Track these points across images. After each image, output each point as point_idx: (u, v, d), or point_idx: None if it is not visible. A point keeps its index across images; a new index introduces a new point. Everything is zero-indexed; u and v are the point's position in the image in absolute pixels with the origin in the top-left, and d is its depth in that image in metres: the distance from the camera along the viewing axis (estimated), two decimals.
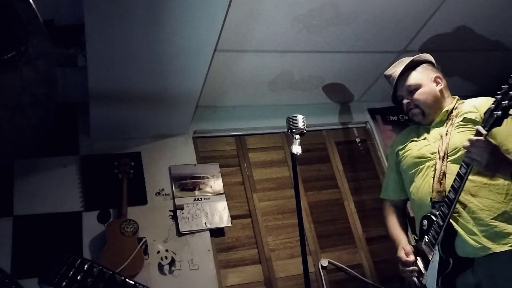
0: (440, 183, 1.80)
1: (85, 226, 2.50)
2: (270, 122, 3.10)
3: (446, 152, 1.83)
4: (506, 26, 2.80)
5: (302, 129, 2.03)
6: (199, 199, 2.76)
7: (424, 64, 2.08)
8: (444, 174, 1.80)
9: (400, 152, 2.08)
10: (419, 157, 1.95)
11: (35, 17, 1.30)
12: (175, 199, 2.71)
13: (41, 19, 1.32)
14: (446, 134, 1.87)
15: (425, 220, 1.83)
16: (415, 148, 1.99)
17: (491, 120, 1.51)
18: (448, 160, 1.82)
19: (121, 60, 2.17)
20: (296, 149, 1.97)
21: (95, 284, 1.16)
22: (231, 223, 2.73)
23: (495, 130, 1.60)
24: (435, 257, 1.78)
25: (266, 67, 2.74)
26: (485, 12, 2.63)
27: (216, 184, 2.84)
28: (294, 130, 2.02)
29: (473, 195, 1.74)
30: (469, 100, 1.95)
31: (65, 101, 2.72)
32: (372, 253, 2.91)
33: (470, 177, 1.70)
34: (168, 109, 2.65)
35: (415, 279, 1.88)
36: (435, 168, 1.85)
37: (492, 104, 1.51)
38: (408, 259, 1.90)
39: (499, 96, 1.48)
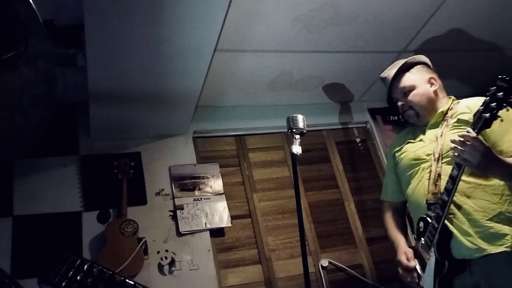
0: (435, 185, 1.80)
1: (85, 226, 2.50)
2: (270, 122, 3.10)
3: (441, 153, 1.83)
4: (506, 27, 2.80)
5: (302, 129, 2.03)
6: (199, 199, 2.76)
7: (419, 66, 2.08)
8: (439, 175, 1.80)
9: (397, 154, 2.08)
10: (415, 159, 1.95)
11: (35, 17, 1.30)
12: (175, 199, 2.71)
13: (41, 19, 1.32)
14: (441, 135, 1.87)
15: (421, 222, 1.83)
16: (411, 150, 1.99)
17: (480, 122, 1.50)
18: (443, 161, 1.81)
19: (121, 60, 2.17)
20: (296, 149, 1.97)
21: (95, 284, 1.16)
22: (231, 223, 2.73)
23: (489, 130, 1.60)
24: (431, 259, 1.77)
25: (266, 67, 2.74)
26: (485, 12, 2.63)
27: (216, 184, 2.84)
28: (294, 130, 2.02)
29: (468, 196, 1.73)
30: (464, 100, 1.95)
31: (65, 101, 2.71)
32: (372, 253, 2.91)
33: (464, 178, 1.71)
34: (168, 109, 2.65)
35: (415, 285, 1.87)
36: (430, 170, 1.84)
37: (481, 106, 1.50)
38: (409, 264, 1.89)
39: (488, 98, 1.47)
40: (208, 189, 2.81)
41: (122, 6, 1.88)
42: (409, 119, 2.05)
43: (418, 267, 1.87)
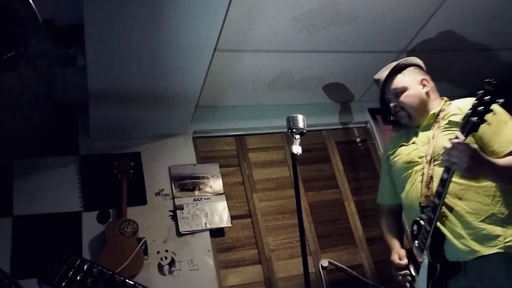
0: (428, 188, 1.80)
1: (85, 226, 2.50)
2: (270, 122, 3.10)
3: (432, 155, 1.83)
4: (506, 27, 2.80)
5: (302, 129, 2.02)
6: (199, 199, 2.75)
7: (411, 68, 2.09)
8: (431, 178, 1.80)
9: (391, 157, 2.08)
10: (408, 162, 1.95)
11: (35, 17, 1.30)
12: (175, 199, 2.71)
13: (41, 19, 1.32)
14: (433, 137, 1.87)
15: (415, 225, 1.83)
16: (404, 152, 1.99)
17: (468, 126, 1.51)
18: (435, 163, 1.81)
19: (121, 60, 2.17)
20: (296, 149, 1.97)
21: (95, 284, 1.16)
22: (231, 223, 2.73)
23: (481, 131, 1.60)
24: (424, 262, 1.78)
25: (266, 67, 2.74)
26: (485, 12, 2.63)
27: (216, 184, 2.84)
28: (294, 130, 2.02)
29: (460, 198, 1.73)
30: (455, 101, 1.95)
31: (65, 101, 2.72)
32: (372, 253, 2.91)
33: (456, 180, 1.71)
34: (168, 109, 2.65)
35: (407, 283, 1.88)
36: (423, 173, 1.84)
37: (469, 109, 1.51)
38: (400, 262, 1.91)
39: (476, 102, 1.48)
40: (208, 189, 2.81)
41: (122, 6, 1.88)
42: (401, 120, 2.05)
43: (412, 270, 1.87)
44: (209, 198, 2.77)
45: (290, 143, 2.03)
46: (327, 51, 2.70)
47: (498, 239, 1.64)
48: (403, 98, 2.00)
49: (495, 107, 1.47)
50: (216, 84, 2.78)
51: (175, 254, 2.56)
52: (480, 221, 1.68)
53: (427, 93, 2.01)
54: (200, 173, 2.85)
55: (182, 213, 2.67)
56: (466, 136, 1.53)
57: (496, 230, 1.65)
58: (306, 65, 2.80)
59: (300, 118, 2.03)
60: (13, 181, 2.50)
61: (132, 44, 2.09)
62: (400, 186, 2.00)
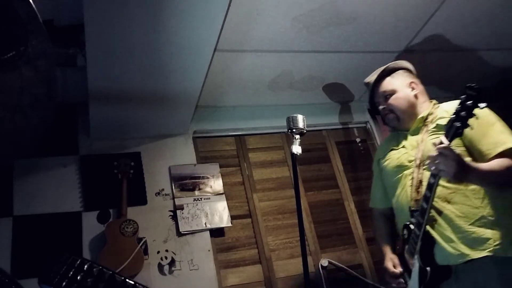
0: (418, 192, 1.79)
1: (85, 226, 2.50)
2: (270, 122, 3.10)
3: (422, 159, 1.83)
4: (506, 27, 2.80)
5: (302, 129, 2.02)
6: (199, 199, 2.76)
7: (400, 71, 2.10)
8: (421, 182, 1.80)
9: (381, 162, 2.08)
10: (398, 166, 1.95)
11: (35, 17, 1.30)
12: (175, 199, 2.71)
13: (41, 19, 1.32)
14: (422, 141, 1.87)
15: (405, 229, 1.83)
16: (394, 156, 1.99)
17: (452, 130, 1.51)
18: (424, 168, 1.81)
19: (121, 60, 2.17)
20: (296, 149, 1.97)
21: (95, 284, 1.16)
22: (231, 223, 2.73)
23: (469, 133, 1.61)
24: (415, 266, 1.77)
25: (266, 67, 2.74)
26: (485, 12, 2.63)
27: (216, 184, 2.84)
28: (294, 130, 2.02)
29: (449, 202, 1.73)
30: (443, 104, 1.95)
31: (65, 101, 2.72)
32: (372, 253, 2.91)
33: (444, 183, 1.71)
34: (168, 109, 2.65)
35: None
36: (413, 177, 1.84)
37: (453, 114, 1.51)
38: (395, 271, 1.91)
39: (458, 107, 1.48)
40: (208, 189, 2.81)
41: (122, 6, 1.88)
42: (390, 123, 2.06)
43: (406, 277, 1.87)
44: (209, 198, 2.78)
45: (290, 143, 2.03)
46: (327, 51, 2.70)
47: (488, 242, 1.63)
48: (392, 100, 2.01)
49: (478, 111, 1.46)
50: (216, 84, 2.78)
51: (175, 254, 2.56)
52: (470, 224, 1.67)
53: (416, 96, 2.01)
54: (200, 173, 2.85)
55: (182, 213, 2.68)
56: (450, 141, 1.53)
57: (486, 233, 1.65)
58: (306, 65, 2.80)
59: (300, 118, 2.03)
60: (13, 181, 2.50)
61: (132, 44, 2.09)
62: (391, 190, 2.01)
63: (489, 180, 1.65)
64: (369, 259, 2.89)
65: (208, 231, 2.68)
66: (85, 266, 1.18)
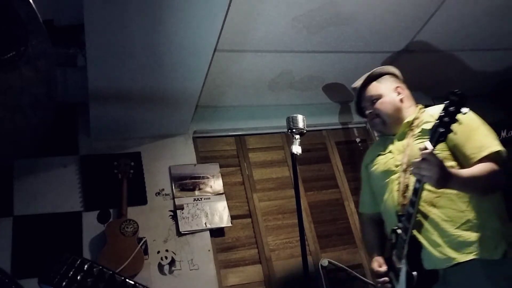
0: (404, 196, 1.80)
1: (85, 226, 2.50)
2: (270, 122, 3.10)
3: (408, 164, 1.83)
4: (506, 27, 2.80)
5: (302, 129, 2.02)
6: (199, 199, 2.76)
7: (386, 76, 2.11)
8: (407, 186, 1.80)
9: (369, 167, 2.09)
10: (385, 171, 1.95)
11: (35, 17, 1.30)
12: (175, 199, 2.71)
13: (41, 19, 1.32)
14: (408, 146, 1.88)
15: (393, 234, 1.83)
16: (382, 161, 2.00)
17: (436, 135, 1.51)
18: (410, 172, 1.79)
19: (121, 60, 2.17)
20: (296, 149, 1.97)
21: (95, 284, 1.16)
22: (231, 223, 2.73)
23: (453, 138, 1.63)
24: (403, 271, 1.77)
25: (266, 67, 2.74)
26: (485, 12, 2.62)
27: (216, 184, 2.84)
28: (294, 130, 2.02)
29: (434, 206, 1.73)
30: (428, 108, 1.95)
31: (65, 101, 2.72)
32: None
33: (430, 188, 1.70)
34: (168, 109, 2.65)
35: None
36: (399, 181, 1.85)
37: (437, 120, 1.51)
38: (379, 269, 1.91)
39: (442, 112, 1.49)
40: (208, 189, 2.81)
41: (122, 6, 1.88)
42: (376, 127, 2.08)
43: (393, 278, 1.87)
44: (209, 198, 2.78)
45: (290, 143, 2.03)
46: (327, 51, 2.70)
47: (474, 246, 1.64)
48: (378, 105, 2.02)
49: (461, 116, 1.47)
50: (216, 84, 2.78)
51: (175, 254, 2.57)
52: (456, 228, 1.68)
53: (402, 100, 2.01)
54: (200, 173, 2.85)
55: (182, 213, 2.68)
56: (434, 146, 1.53)
57: (472, 236, 1.65)
58: (306, 65, 2.80)
59: (300, 118, 2.03)
60: (13, 181, 2.50)
61: (132, 44, 2.09)
62: (379, 195, 2.01)
63: (471, 186, 1.66)
64: (369, 259, 2.88)
65: (208, 231, 2.68)
66: (85, 266, 1.18)
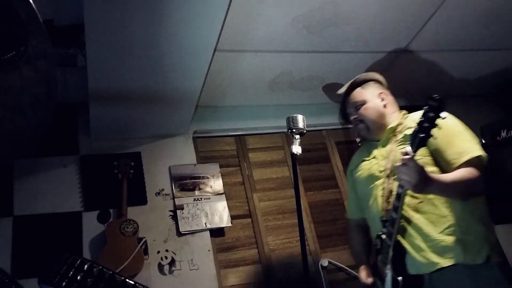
0: (388, 202, 1.80)
1: (85, 226, 2.50)
2: (270, 122, 3.10)
3: (391, 169, 1.83)
4: (506, 27, 2.80)
5: (302, 129, 2.02)
6: (199, 199, 2.76)
7: (371, 82, 2.11)
8: (391, 192, 1.80)
9: (354, 172, 2.09)
10: (369, 176, 1.96)
11: (35, 17, 1.30)
12: (175, 199, 2.71)
13: (41, 19, 1.32)
14: (391, 151, 1.88)
15: (378, 239, 1.84)
16: (366, 167, 2.00)
17: (416, 141, 1.51)
18: (393, 178, 1.81)
19: (121, 60, 2.17)
20: (296, 149, 1.97)
21: (95, 284, 1.16)
22: (231, 223, 2.73)
23: (434, 143, 1.63)
24: (388, 276, 1.77)
25: (266, 67, 2.74)
26: (485, 12, 2.62)
27: (216, 184, 2.84)
28: (294, 130, 2.02)
29: (417, 211, 1.73)
30: (412, 114, 1.95)
31: (65, 101, 2.72)
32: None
33: (413, 193, 1.70)
34: (168, 109, 2.65)
35: None
36: (383, 187, 1.85)
37: (417, 124, 1.51)
38: (366, 281, 1.92)
39: (422, 118, 1.49)
40: (208, 189, 2.81)
41: (122, 6, 1.88)
42: (360, 133, 2.07)
43: (378, 284, 1.87)
44: (209, 198, 2.78)
45: (290, 143, 2.03)
46: (327, 51, 2.70)
47: (456, 250, 1.64)
48: (362, 110, 2.03)
49: (442, 121, 1.47)
50: (216, 84, 2.78)
51: (175, 254, 2.57)
52: (439, 233, 1.68)
53: (385, 106, 2.02)
54: (200, 173, 2.85)
55: (182, 213, 2.68)
56: (415, 151, 1.53)
57: (455, 241, 1.65)
58: (306, 65, 2.80)
59: (300, 118, 2.03)
60: (13, 181, 2.50)
61: (132, 44, 2.09)
62: (364, 201, 2.02)
63: (450, 191, 1.66)
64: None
65: (208, 231, 2.68)
66: (85, 266, 1.18)
